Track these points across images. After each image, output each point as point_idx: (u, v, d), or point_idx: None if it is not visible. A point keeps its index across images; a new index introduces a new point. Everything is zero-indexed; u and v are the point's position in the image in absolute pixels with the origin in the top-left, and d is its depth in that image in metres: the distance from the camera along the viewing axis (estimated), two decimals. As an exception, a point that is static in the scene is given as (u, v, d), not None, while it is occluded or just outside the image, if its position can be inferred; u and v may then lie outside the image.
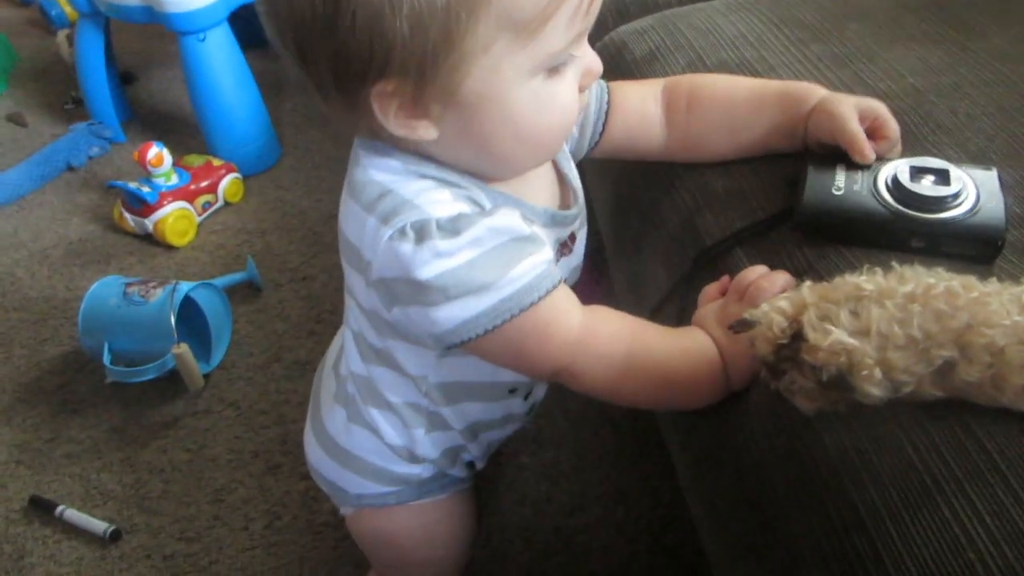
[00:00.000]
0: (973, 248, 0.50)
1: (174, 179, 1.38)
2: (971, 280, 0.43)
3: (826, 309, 0.43)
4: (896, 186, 0.53)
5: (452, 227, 0.47)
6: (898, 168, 0.53)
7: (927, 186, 0.52)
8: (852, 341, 0.41)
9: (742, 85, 0.66)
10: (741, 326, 0.46)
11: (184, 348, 1.07)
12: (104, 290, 1.13)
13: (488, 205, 0.51)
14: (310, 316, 1.23)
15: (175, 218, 1.36)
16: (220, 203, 1.44)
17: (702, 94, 0.65)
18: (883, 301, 0.42)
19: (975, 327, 0.40)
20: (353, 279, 0.55)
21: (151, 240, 1.39)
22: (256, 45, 1.84)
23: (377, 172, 0.50)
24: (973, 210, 0.51)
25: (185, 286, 1.11)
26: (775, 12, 0.79)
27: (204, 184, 1.41)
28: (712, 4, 0.85)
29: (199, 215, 1.41)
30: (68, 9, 1.97)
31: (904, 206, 0.52)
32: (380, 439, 0.62)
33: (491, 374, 0.59)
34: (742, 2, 0.83)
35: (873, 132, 0.57)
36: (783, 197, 0.59)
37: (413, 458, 0.63)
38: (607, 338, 0.53)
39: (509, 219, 0.50)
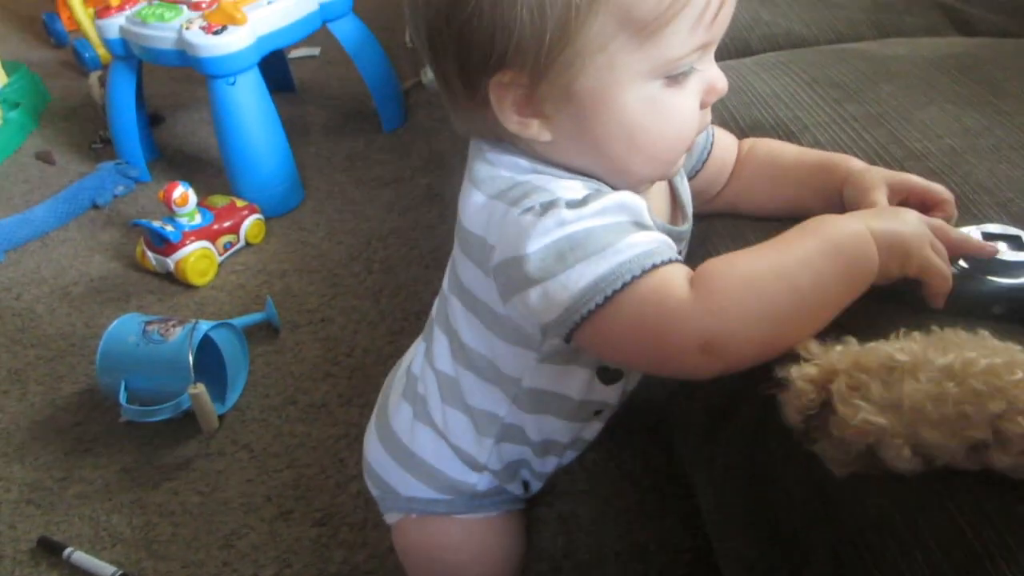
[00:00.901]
0: None
1: (197, 219, 1.39)
2: (1016, 355, 0.41)
3: (857, 379, 0.41)
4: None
5: (581, 202, 0.48)
6: (971, 233, 0.52)
7: (1005, 251, 0.51)
8: (881, 421, 0.40)
9: (789, 149, 0.67)
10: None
11: (200, 388, 1.06)
12: (123, 328, 1.13)
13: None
14: (327, 359, 1.22)
15: (196, 257, 1.36)
16: (242, 244, 1.45)
17: (758, 150, 0.66)
18: (917, 374, 0.40)
19: (1013, 414, 0.38)
20: (467, 271, 0.55)
21: (172, 279, 1.39)
22: (284, 89, 1.88)
23: (505, 168, 0.51)
24: None
25: (205, 325, 1.11)
26: (808, 72, 0.79)
27: (227, 224, 1.42)
28: (744, 63, 0.86)
29: (220, 255, 1.42)
30: (102, 52, 2.02)
31: (983, 273, 0.50)
32: (445, 440, 0.62)
33: (583, 391, 0.58)
34: (775, 61, 0.83)
35: (922, 203, 0.56)
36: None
37: (475, 465, 0.63)
38: (740, 280, 0.46)
39: (638, 201, 0.50)
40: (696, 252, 0.62)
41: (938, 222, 0.51)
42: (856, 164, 0.61)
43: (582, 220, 0.46)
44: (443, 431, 0.63)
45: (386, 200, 1.56)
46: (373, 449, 0.69)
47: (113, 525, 1.01)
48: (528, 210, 0.47)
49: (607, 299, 0.45)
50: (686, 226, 0.60)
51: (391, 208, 1.54)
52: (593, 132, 0.49)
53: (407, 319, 1.27)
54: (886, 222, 0.48)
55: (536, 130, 0.50)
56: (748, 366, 0.46)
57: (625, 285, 0.45)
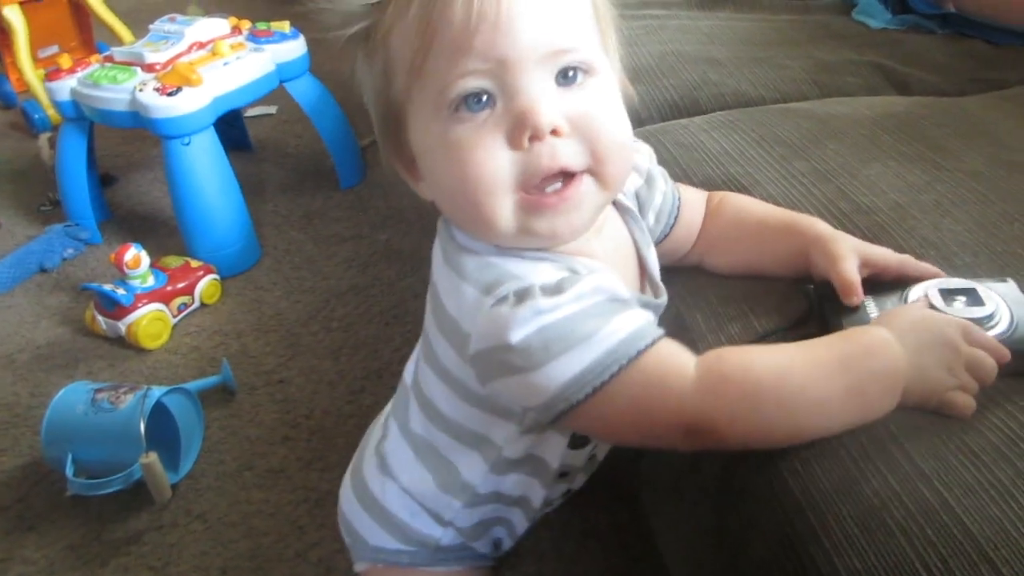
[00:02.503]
0: (1019, 366, 0.49)
1: (150, 281, 1.36)
2: None
3: None
4: (931, 309, 0.52)
5: (556, 287, 0.46)
6: (928, 292, 0.53)
7: (963, 308, 0.51)
8: None
9: (755, 209, 0.67)
10: None
11: (153, 457, 1.02)
12: (71, 396, 1.09)
13: (586, 273, 0.50)
14: (285, 421, 1.19)
15: (149, 320, 1.33)
16: (196, 305, 1.42)
17: (725, 208, 0.66)
18: None
19: None
20: (442, 349, 0.53)
21: (123, 343, 1.35)
22: (241, 147, 1.88)
23: (474, 249, 0.51)
24: (1012, 326, 0.50)
25: (157, 391, 1.07)
26: (756, 130, 0.82)
27: (181, 286, 1.39)
28: (694, 121, 0.88)
29: (174, 317, 1.38)
30: (51, 113, 1.99)
31: None
32: (410, 495, 0.62)
33: (559, 457, 0.58)
34: (723, 120, 0.86)
35: (898, 278, 0.57)
36: (785, 312, 0.58)
37: (440, 520, 0.63)
38: (742, 370, 0.46)
39: (612, 281, 0.48)
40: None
41: (977, 334, 0.49)
42: (823, 229, 0.61)
43: (561, 307, 0.46)
44: (408, 487, 0.63)
45: (344, 257, 1.55)
46: (345, 496, 0.70)
47: (57, 606, 0.96)
48: (502, 300, 0.47)
49: (595, 390, 0.45)
50: (661, 299, 0.58)
51: (349, 265, 1.53)
52: (435, 187, 0.52)
53: (367, 377, 1.26)
54: (924, 338, 0.47)
55: (424, 190, 0.54)
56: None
57: (613, 376, 0.45)
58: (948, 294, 0.53)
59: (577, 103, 0.47)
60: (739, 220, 0.65)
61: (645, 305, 0.55)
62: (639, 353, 0.45)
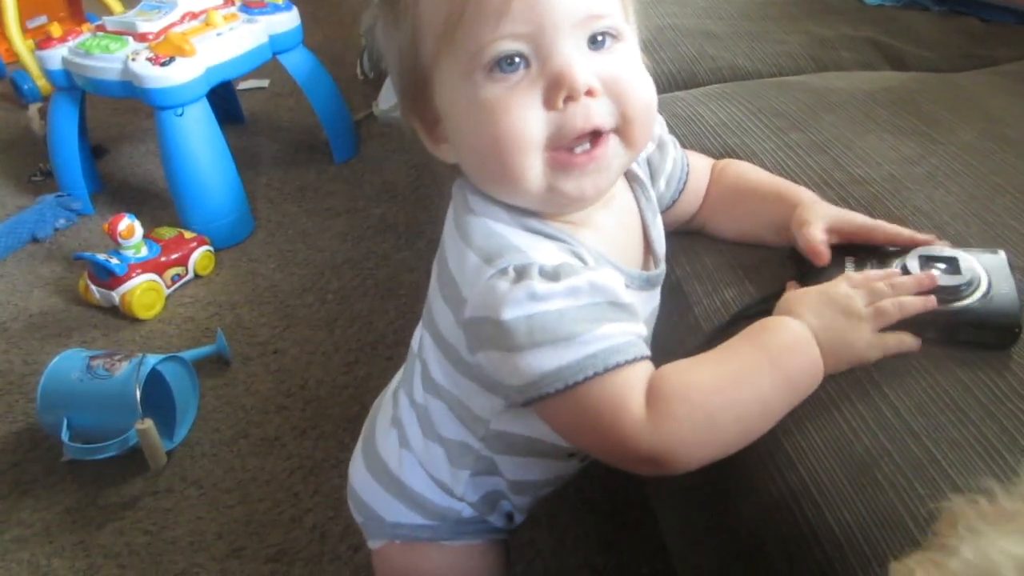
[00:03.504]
0: (991, 336, 0.50)
1: (144, 251, 1.36)
2: None
3: None
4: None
5: (554, 273, 0.47)
6: (907, 259, 0.54)
7: (939, 275, 0.52)
8: None
9: (752, 176, 0.67)
10: None
11: (148, 424, 1.03)
12: (66, 363, 1.09)
13: (592, 264, 0.50)
14: (280, 391, 1.20)
15: (143, 290, 1.33)
16: (190, 276, 1.42)
17: (727, 174, 0.67)
18: None
19: None
20: (441, 313, 0.54)
21: (116, 313, 1.35)
22: (233, 120, 1.87)
23: (484, 214, 0.52)
24: (987, 297, 0.51)
25: (152, 359, 1.08)
26: (753, 102, 0.82)
27: (175, 256, 1.39)
28: (691, 93, 0.88)
29: (168, 288, 1.38)
30: (41, 83, 1.97)
31: None
32: (424, 469, 0.62)
33: (553, 433, 0.57)
34: (721, 92, 0.86)
35: (868, 240, 0.58)
36: (780, 279, 0.59)
37: (452, 495, 0.63)
38: (683, 392, 0.47)
39: (612, 281, 0.49)
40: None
41: (878, 280, 0.51)
42: (805, 197, 0.62)
43: (554, 298, 0.46)
44: (421, 460, 0.63)
45: (338, 230, 1.55)
46: (359, 474, 0.68)
47: (55, 570, 0.97)
48: (501, 273, 0.48)
49: (567, 387, 0.47)
50: (659, 270, 0.59)
51: (344, 238, 1.53)
52: (462, 147, 0.52)
53: (362, 349, 1.26)
54: (829, 318, 0.49)
55: (445, 153, 0.54)
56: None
57: (587, 379, 0.46)
58: (927, 261, 0.54)
59: (608, 65, 0.49)
60: (737, 186, 0.66)
61: (641, 280, 0.56)
62: (616, 366, 0.46)
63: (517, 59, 0.47)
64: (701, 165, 0.68)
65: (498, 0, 0.46)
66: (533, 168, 0.49)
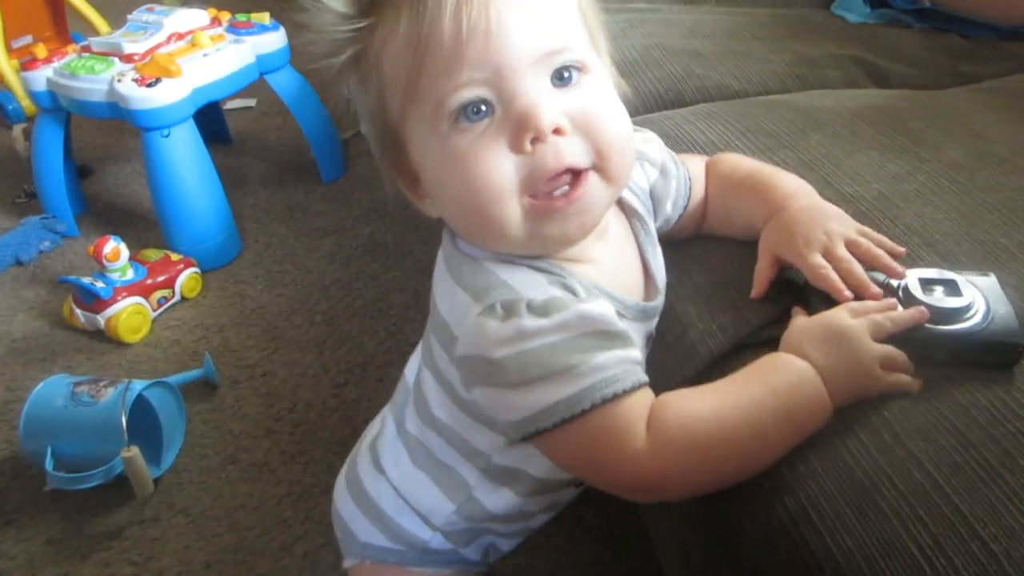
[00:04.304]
0: (995, 357, 0.50)
1: (130, 274, 1.35)
2: None
3: None
4: (909, 299, 0.52)
5: (543, 308, 0.46)
6: (908, 281, 0.53)
7: (941, 298, 0.52)
8: None
9: (740, 170, 0.66)
10: None
11: (134, 451, 1.01)
12: (50, 389, 1.07)
13: (583, 294, 0.49)
14: (268, 414, 1.19)
15: (128, 314, 1.31)
16: (177, 298, 1.41)
17: (719, 170, 0.67)
18: None
19: None
20: (437, 351, 0.54)
21: (102, 337, 1.33)
22: (220, 140, 1.86)
23: (472, 251, 0.51)
24: (988, 318, 0.51)
25: (138, 385, 1.06)
26: (740, 121, 0.83)
27: (161, 279, 1.38)
28: (679, 112, 0.89)
29: (154, 311, 1.37)
30: (26, 103, 1.96)
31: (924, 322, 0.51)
32: (400, 496, 0.62)
33: (552, 469, 0.57)
34: (708, 112, 0.86)
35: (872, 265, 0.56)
36: (774, 302, 0.59)
37: (429, 524, 0.62)
38: (684, 425, 0.47)
39: (603, 309, 0.48)
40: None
41: (876, 317, 0.50)
42: (789, 202, 0.60)
43: (544, 334, 0.46)
44: (399, 486, 0.63)
45: (327, 250, 1.54)
46: (340, 491, 0.69)
47: (38, 602, 0.95)
48: (489, 310, 0.47)
49: (564, 420, 0.46)
50: (656, 301, 0.58)
51: (332, 259, 1.52)
52: (442, 201, 0.51)
53: (351, 371, 1.25)
54: (835, 358, 0.48)
55: (429, 207, 0.53)
56: None
57: (584, 411, 0.45)
58: (927, 284, 0.53)
59: (575, 101, 0.47)
60: (727, 182, 0.65)
61: (640, 310, 0.55)
62: (614, 396, 0.46)
63: (482, 106, 0.46)
64: (697, 171, 0.67)
65: (450, 48, 0.45)
66: (512, 215, 0.47)
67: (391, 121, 0.51)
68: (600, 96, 0.49)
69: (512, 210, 0.47)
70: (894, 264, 0.55)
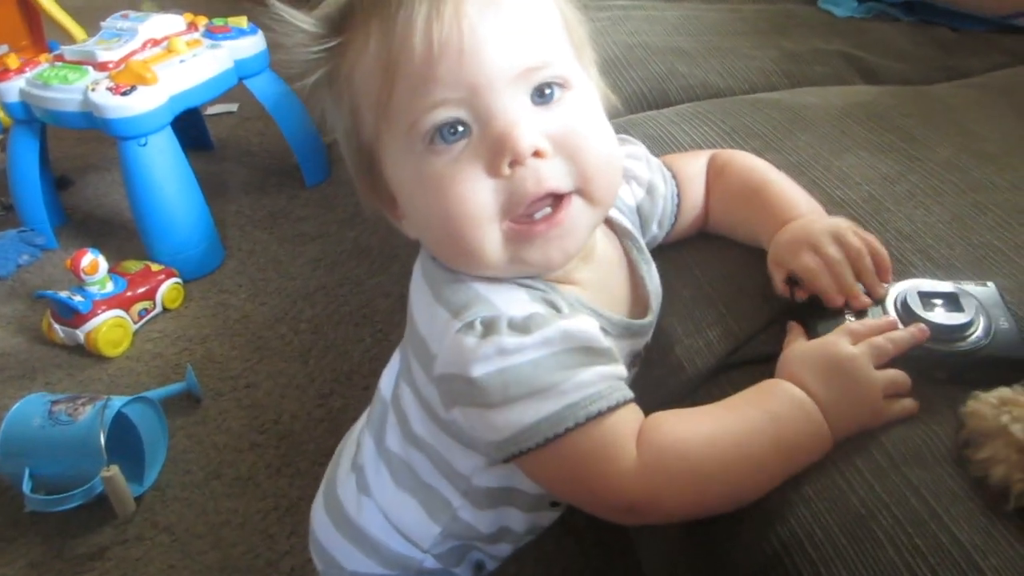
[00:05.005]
0: (998, 373, 0.48)
1: (109, 286, 1.32)
2: None
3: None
4: (909, 315, 0.51)
5: (523, 325, 0.45)
6: (908, 295, 0.51)
7: (942, 314, 0.50)
8: None
9: (754, 176, 0.64)
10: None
11: (114, 471, 0.99)
12: (27, 409, 1.05)
13: (566, 310, 0.47)
14: (253, 427, 1.16)
15: (108, 327, 1.29)
16: (158, 310, 1.38)
17: (729, 174, 0.64)
18: None
19: None
20: (415, 367, 0.52)
21: (82, 352, 1.31)
22: (201, 147, 1.83)
23: (447, 270, 0.50)
24: (990, 334, 0.49)
25: (117, 402, 1.04)
26: (726, 122, 0.81)
27: (141, 291, 1.35)
28: (663, 113, 0.87)
29: (135, 323, 1.34)
30: (1, 115, 1.92)
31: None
32: (387, 519, 0.60)
33: (536, 486, 0.55)
34: (693, 112, 0.84)
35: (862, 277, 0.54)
36: (761, 315, 0.57)
37: (417, 547, 0.60)
38: (679, 446, 0.45)
39: (586, 325, 0.46)
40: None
41: (877, 335, 0.49)
42: (800, 214, 0.59)
43: (527, 350, 0.44)
44: (386, 510, 0.60)
45: (311, 256, 1.52)
46: (318, 517, 0.66)
47: (18, 629, 0.92)
48: (468, 327, 0.45)
49: (548, 440, 0.44)
50: (648, 319, 0.56)
51: (317, 265, 1.50)
52: (417, 223, 0.50)
53: (337, 380, 1.23)
54: (837, 392, 0.46)
55: (407, 228, 0.52)
56: None
57: (568, 430, 0.44)
58: (927, 298, 0.52)
59: (557, 120, 0.45)
60: (735, 189, 0.63)
61: (626, 327, 0.53)
62: (599, 414, 0.44)
63: (458, 127, 0.44)
64: (694, 174, 0.65)
65: (422, 66, 0.43)
66: (491, 241, 0.46)
67: (365, 141, 0.49)
68: (583, 114, 0.47)
69: (491, 236, 0.46)
70: (876, 284, 0.53)
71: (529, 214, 0.45)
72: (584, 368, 0.45)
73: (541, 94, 0.45)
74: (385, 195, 0.51)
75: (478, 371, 0.44)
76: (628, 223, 0.58)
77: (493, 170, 0.44)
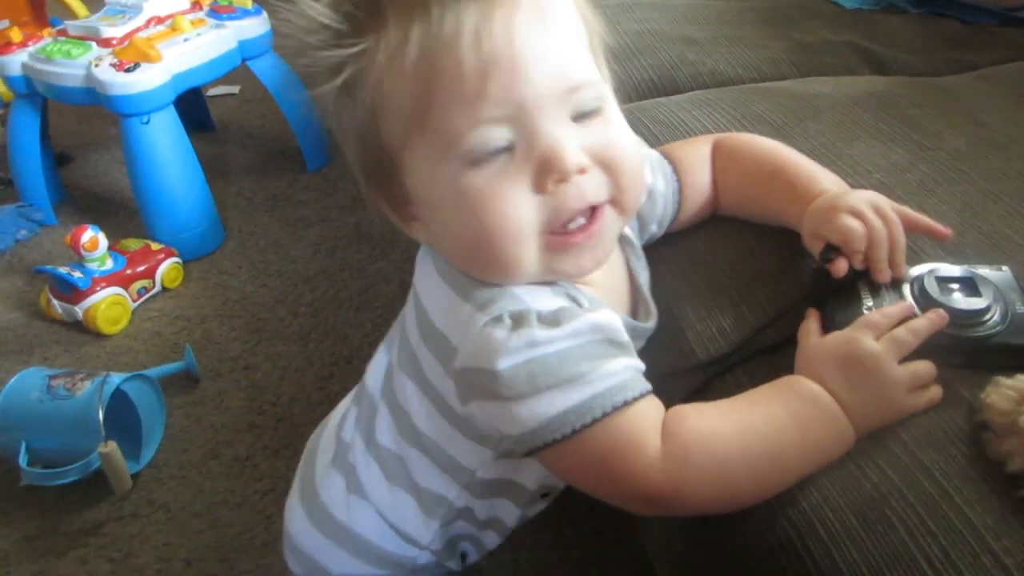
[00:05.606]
0: (1015, 359, 0.48)
1: (108, 264, 1.31)
2: None
3: None
4: (927, 300, 0.50)
5: (553, 318, 0.45)
6: (925, 280, 0.51)
7: (959, 299, 0.50)
8: None
9: (771, 158, 0.63)
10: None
11: (112, 446, 0.98)
12: (25, 383, 1.05)
13: (587, 306, 0.48)
14: (251, 408, 1.16)
15: (107, 305, 1.28)
16: (158, 289, 1.38)
17: (741, 154, 0.63)
18: None
19: None
20: (428, 362, 0.51)
21: (80, 328, 1.30)
22: (203, 128, 1.82)
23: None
24: (1007, 319, 0.49)
25: (116, 378, 1.04)
26: (736, 109, 0.80)
27: (141, 269, 1.34)
28: (673, 99, 0.86)
29: (134, 301, 1.34)
30: (2, 89, 1.91)
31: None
32: (383, 518, 0.58)
33: (538, 480, 0.56)
34: (703, 99, 0.84)
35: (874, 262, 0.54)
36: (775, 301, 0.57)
37: (416, 544, 0.60)
38: (704, 439, 0.45)
39: (611, 318, 0.47)
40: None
41: (897, 322, 0.48)
42: (827, 187, 0.58)
43: (556, 342, 0.44)
44: (382, 510, 0.59)
45: (312, 240, 1.51)
46: (298, 523, 0.63)
47: (12, 603, 0.92)
48: (496, 320, 0.45)
49: (575, 431, 0.44)
50: (650, 322, 0.56)
51: (317, 249, 1.49)
52: (444, 235, 0.49)
53: (336, 364, 1.22)
54: (862, 393, 0.46)
55: (416, 232, 0.51)
56: None
57: (595, 420, 0.44)
58: (944, 283, 0.51)
59: (594, 135, 0.46)
60: (750, 170, 0.62)
61: (631, 329, 0.53)
62: (624, 403, 0.44)
63: (503, 142, 0.44)
64: (698, 162, 0.64)
65: (473, 83, 0.42)
66: (528, 254, 0.46)
67: (387, 145, 0.47)
68: (615, 127, 0.48)
69: (529, 249, 0.46)
70: (903, 263, 0.53)
71: (565, 225, 0.46)
72: (610, 359, 0.45)
73: (581, 111, 0.46)
74: (397, 197, 0.50)
75: (505, 363, 0.44)
76: (628, 230, 0.59)
77: (539, 187, 0.44)
